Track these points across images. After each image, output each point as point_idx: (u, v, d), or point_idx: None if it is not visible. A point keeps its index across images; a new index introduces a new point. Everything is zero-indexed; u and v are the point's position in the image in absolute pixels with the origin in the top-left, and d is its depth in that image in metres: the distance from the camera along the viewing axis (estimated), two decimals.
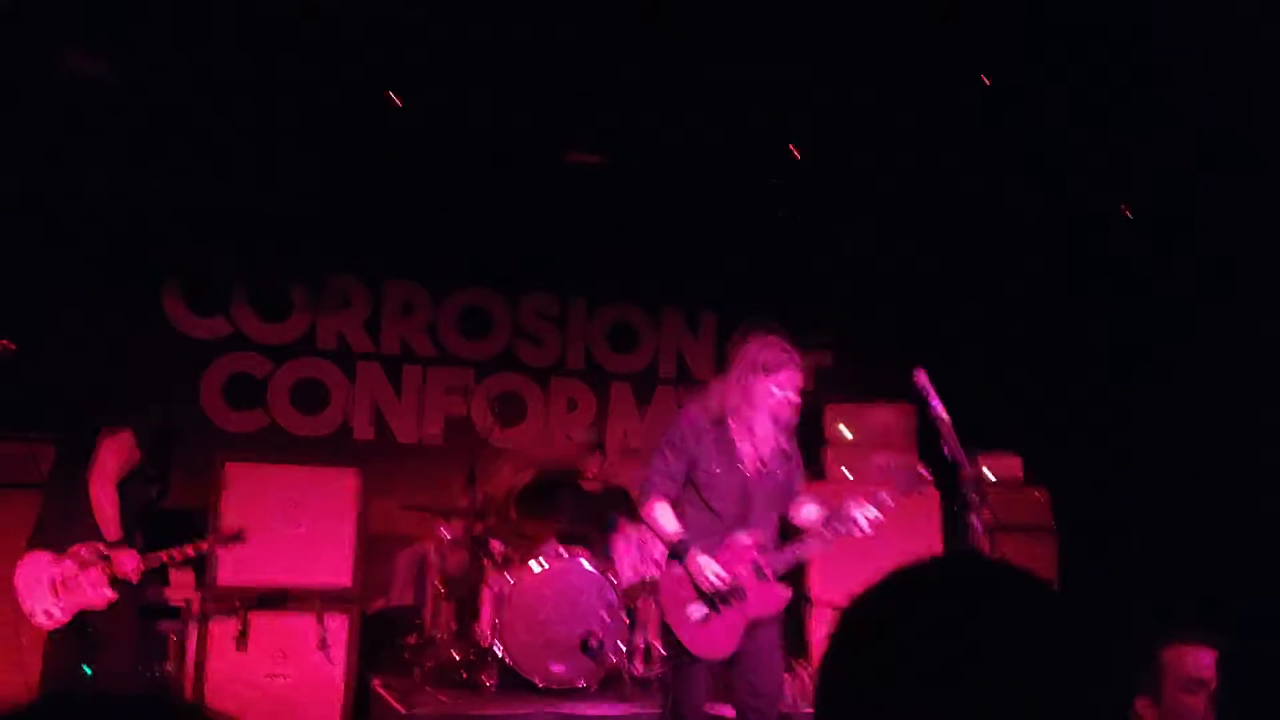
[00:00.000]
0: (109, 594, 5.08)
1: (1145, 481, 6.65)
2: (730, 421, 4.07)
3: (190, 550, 5.41)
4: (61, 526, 5.15)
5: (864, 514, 3.90)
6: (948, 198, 6.94)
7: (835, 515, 4.00)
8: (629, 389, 8.25)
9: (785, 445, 4.16)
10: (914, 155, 6.52)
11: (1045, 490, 7.06)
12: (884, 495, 3.95)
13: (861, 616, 0.89)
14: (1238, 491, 6.01)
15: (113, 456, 5.19)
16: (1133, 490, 6.80)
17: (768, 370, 4.04)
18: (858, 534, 3.91)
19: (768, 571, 4.01)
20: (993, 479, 6.88)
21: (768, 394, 4.03)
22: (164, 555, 5.28)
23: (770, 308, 8.22)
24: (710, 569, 3.90)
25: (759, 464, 4.09)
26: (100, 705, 0.48)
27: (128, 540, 5.15)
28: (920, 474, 4.05)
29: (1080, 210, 6.95)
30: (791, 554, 4.07)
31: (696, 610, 3.94)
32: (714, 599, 3.93)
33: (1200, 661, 2.05)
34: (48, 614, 5.04)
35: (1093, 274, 7.34)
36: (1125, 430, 6.94)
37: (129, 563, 5.09)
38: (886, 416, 7.09)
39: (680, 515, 4.08)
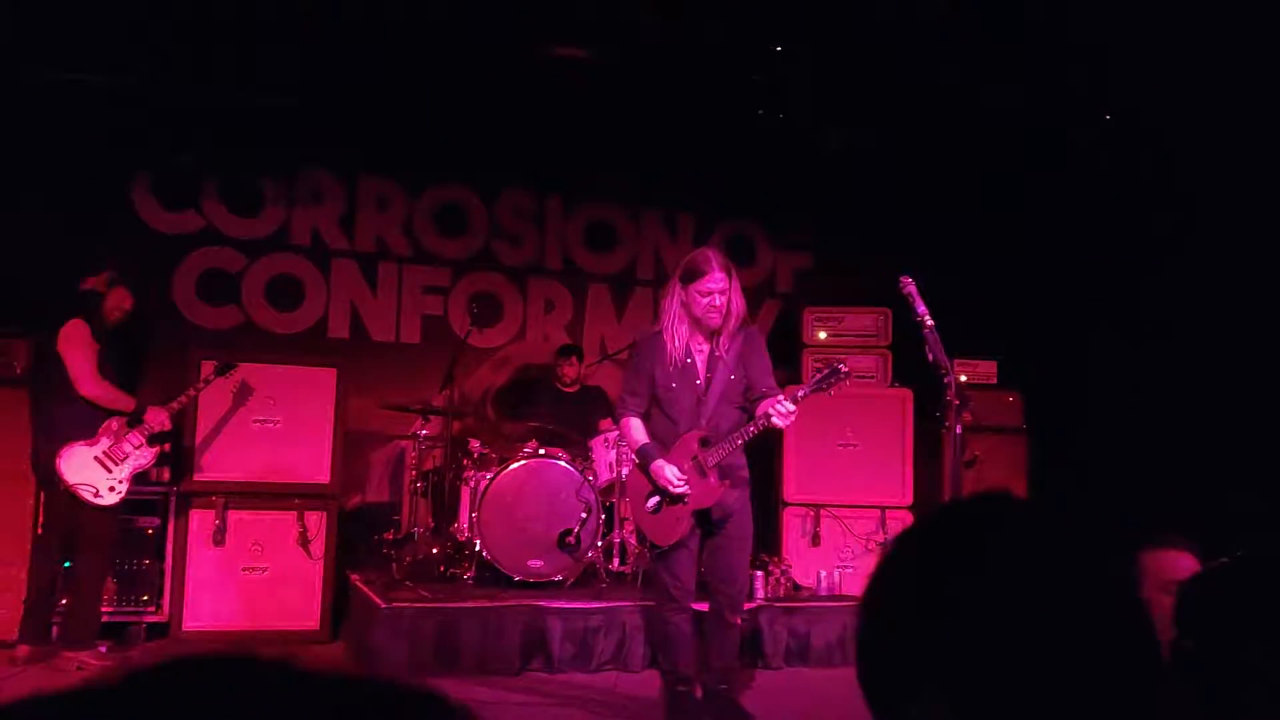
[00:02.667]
0: (152, 450, 5.39)
1: (1119, 389, 6.77)
2: (676, 335, 4.41)
3: (193, 391, 5.65)
4: (76, 419, 5.24)
5: (777, 409, 4.18)
6: (933, 101, 6.84)
7: (756, 415, 4.30)
8: (606, 290, 8.22)
9: (729, 348, 4.44)
10: (901, 55, 6.39)
11: (1018, 394, 7.17)
12: (799, 392, 4.26)
13: (904, 553, 0.94)
14: (1204, 397, 6.12)
15: (79, 356, 5.20)
16: (1105, 396, 6.92)
17: (690, 278, 4.35)
18: (776, 425, 4.23)
19: (704, 466, 4.37)
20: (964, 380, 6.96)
21: (695, 301, 4.33)
22: (180, 400, 5.55)
23: (749, 209, 8.32)
24: (669, 472, 4.35)
25: (709, 370, 4.45)
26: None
27: (142, 401, 5.39)
28: (839, 370, 4.25)
29: (1063, 115, 6.87)
30: (720, 451, 4.35)
31: (652, 501, 4.47)
32: (665, 493, 4.40)
33: (1179, 565, 2.08)
34: (112, 489, 5.24)
35: (1069, 181, 7.34)
36: (1100, 338, 7.03)
37: (159, 416, 5.38)
38: (864, 321, 7.11)
39: (648, 420, 4.55)
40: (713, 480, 4.36)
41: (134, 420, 5.31)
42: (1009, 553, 0.87)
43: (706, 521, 4.45)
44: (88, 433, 5.22)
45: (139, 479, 5.52)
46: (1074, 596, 0.84)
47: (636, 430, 4.49)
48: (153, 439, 5.36)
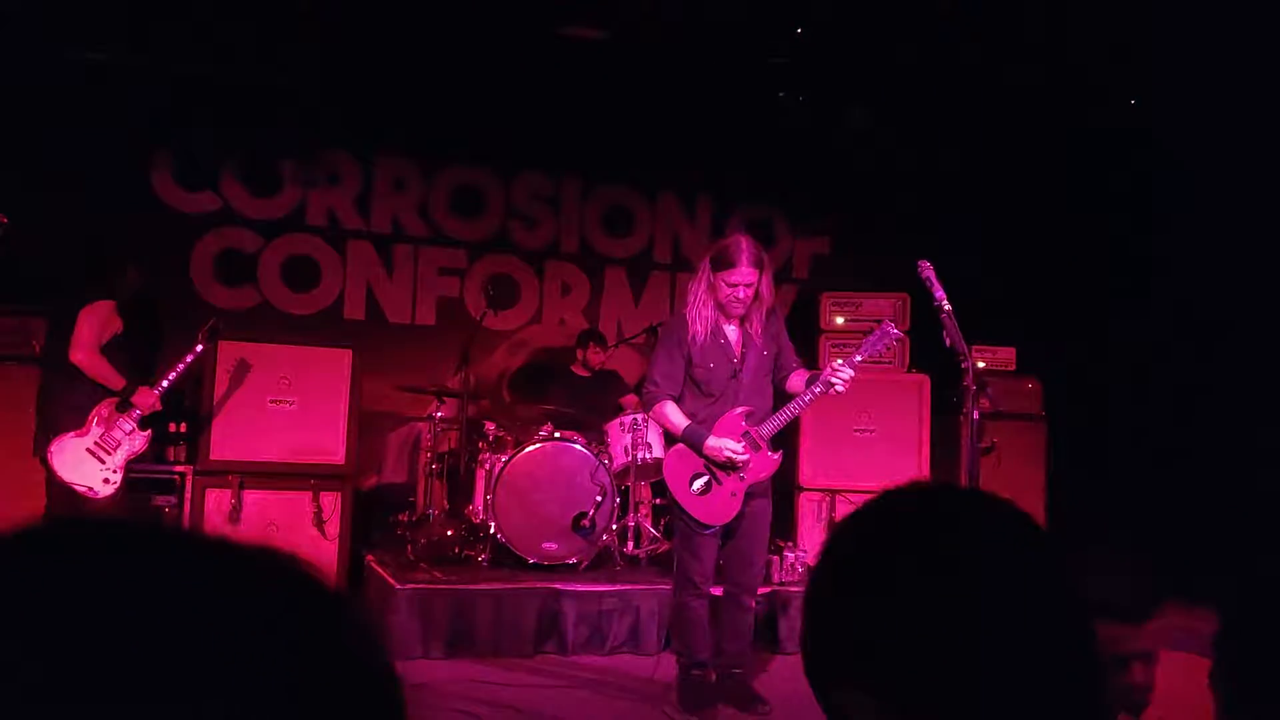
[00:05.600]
0: (144, 434, 5.26)
1: (1140, 376, 6.71)
2: (701, 317, 4.40)
3: (182, 365, 5.41)
4: (71, 403, 5.18)
5: (839, 375, 4.21)
6: (952, 85, 6.76)
7: (814, 379, 4.35)
8: (623, 274, 8.19)
9: (760, 328, 4.49)
10: (919, 38, 6.32)
11: (1037, 381, 7.12)
12: (856, 357, 4.28)
13: (848, 541, 0.94)
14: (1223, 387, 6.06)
15: (89, 326, 5.18)
16: (1126, 383, 6.87)
17: (719, 266, 4.35)
18: (834, 392, 4.25)
19: (758, 439, 4.37)
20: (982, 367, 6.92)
21: (720, 288, 4.35)
22: (169, 376, 5.35)
23: (768, 193, 8.27)
24: (727, 446, 4.30)
25: (742, 347, 4.47)
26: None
27: (133, 382, 5.24)
28: (890, 331, 4.27)
29: (1085, 97, 6.80)
30: (777, 420, 4.41)
31: (699, 482, 4.36)
32: (714, 471, 4.34)
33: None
34: (106, 480, 5.14)
35: (1093, 168, 7.26)
36: (1118, 325, 6.97)
37: (148, 398, 5.25)
38: (882, 306, 7.06)
39: (680, 401, 4.47)
40: (766, 452, 4.39)
41: (124, 404, 5.20)
42: (942, 544, 0.86)
43: None
44: (79, 418, 5.14)
45: (157, 458, 5.49)
46: (1012, 594, 0.83)
47: (675, 414, 4.44)
48: (144, 422, 5.24)
